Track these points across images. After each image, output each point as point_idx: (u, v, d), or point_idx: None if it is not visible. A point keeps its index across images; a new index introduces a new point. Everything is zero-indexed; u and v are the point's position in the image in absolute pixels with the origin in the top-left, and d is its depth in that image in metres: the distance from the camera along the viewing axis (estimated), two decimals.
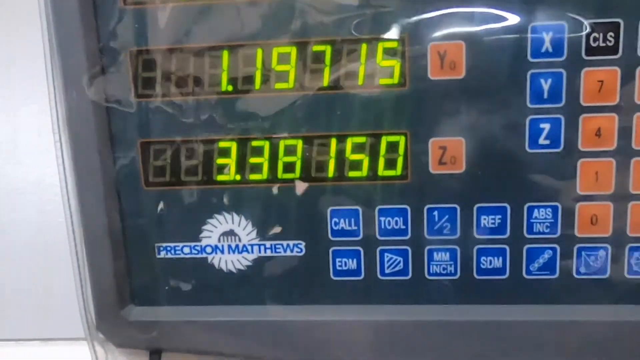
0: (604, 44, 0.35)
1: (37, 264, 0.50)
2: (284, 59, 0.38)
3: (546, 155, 0.37)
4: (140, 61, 0.38)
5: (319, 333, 0.41)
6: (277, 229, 0.40)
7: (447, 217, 0.39)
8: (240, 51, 0.38)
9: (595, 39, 0.35)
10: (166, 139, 0.40)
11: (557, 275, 0.39)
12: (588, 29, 0.35)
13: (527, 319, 0.39)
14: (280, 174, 0.39)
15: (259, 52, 0.38)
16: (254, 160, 0.39)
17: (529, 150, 0.37)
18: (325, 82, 0.38)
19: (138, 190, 0.41)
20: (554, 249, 0.38)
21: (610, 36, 0.35)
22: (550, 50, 0.36)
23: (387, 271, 0.40)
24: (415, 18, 0.36)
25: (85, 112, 0.39)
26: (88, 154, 0.40)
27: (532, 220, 0.38)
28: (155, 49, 0.38)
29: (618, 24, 0.35)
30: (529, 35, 0.36)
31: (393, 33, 0.36)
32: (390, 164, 0.38)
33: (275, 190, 0.39)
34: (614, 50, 0.35)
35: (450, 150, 0.38)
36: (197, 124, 0.39)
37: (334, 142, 0.39)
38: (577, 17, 0.35)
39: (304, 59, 0.37)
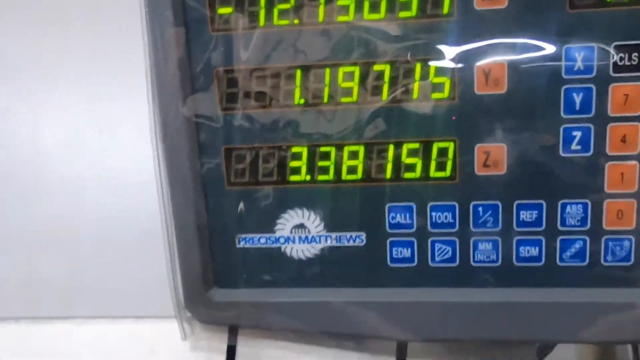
0: (629, 63, 0.41)
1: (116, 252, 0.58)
2: (348, 77, 0.44)
3: (578, 159, 0.43)
4: (225, 79, 0.45)
5: (377, 312, 0.47)
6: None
7: (490, 212, 0.45)
8: (311, 70, 0.44)
9: (621, 59, 0.41)
10: (246, 146, 0.46)
11: (587, 262, 0.44)
12: (615, 50, 0.40)
13: (561, 301, 0.45)
14: (344, 175, 0.46)
15: (327, 71, 0.44)
16: (322, 163, 0.46)
17: (562, 155, 0.43)
18: (385, 96, 0.44)
19: (221, 189, 0.47)
20: (584, 240, 0.44)
21: (635, 56, 0.40)
22: (582, 68, 0.41)
23: (437, 259, 0.46)
24: (463, 45, 0.42)
25: (178, 125, 0.45)
26: (180, 159, 0.46)
27: (565, 215, 0.44)
28: (238, 69, 0.44)
29: None
30: (563, 56, 0.41)
31: (444, 55, 0.42)
32: (441, 166, 0.44)
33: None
34: (638, 68, 0.41)
35: (493, 155, 0.43)
36: (273, 132, 0.46)
37: (391, 148, 0.45)
38: (606, 40, 0.40)
39: (366, 77, 0.44)
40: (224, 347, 0.50)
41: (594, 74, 0.41)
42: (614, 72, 0.41)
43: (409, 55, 0.42)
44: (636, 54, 0.40)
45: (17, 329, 0.52)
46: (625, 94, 0.41)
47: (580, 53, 0.41)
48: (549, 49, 0.41)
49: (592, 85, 0.41)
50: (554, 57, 0.41)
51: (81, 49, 0.62)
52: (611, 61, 0.41)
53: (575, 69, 0.41)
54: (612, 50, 0.41)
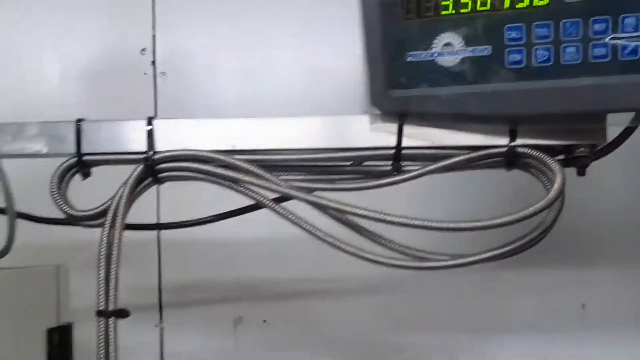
0: None
1: None
2: None
3: None
4: None
5: (499, 98, 0.73)
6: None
7: (574, 27, 0.69)
8: None
9: None
10: None
11: (638, 56, 0.68)
12: None
13: (621, 82, 0.69)
14: (478, 7, 0.72)
15: None
16: (463, 1, 0.72)
17: None
18: None
19: (400, 22, 0.75)
20: (637, 41, 0.68)
21: None
22: None
23: (539, 60, 0.71)
24: None
25: None
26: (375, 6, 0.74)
27: (624, 26, 0.68)
28: None
29: None
30: None
31: None
32: None
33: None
34: None
35: None
36: None
37: None
38: None
39: None
40: (396, 127, 0.79)
41: None
42: None
43: None
44: None
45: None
46: None
47: None
48: None
49: None
50: None
51: None
52: None
53: None
54: None
